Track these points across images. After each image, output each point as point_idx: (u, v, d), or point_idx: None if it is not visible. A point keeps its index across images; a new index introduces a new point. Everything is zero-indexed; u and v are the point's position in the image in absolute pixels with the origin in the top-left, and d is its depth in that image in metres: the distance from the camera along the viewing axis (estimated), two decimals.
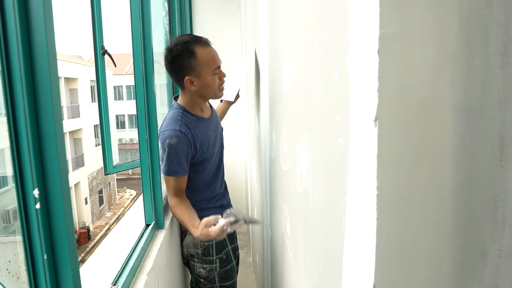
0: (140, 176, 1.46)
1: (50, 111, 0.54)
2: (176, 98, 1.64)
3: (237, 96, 2.01)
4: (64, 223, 0.53)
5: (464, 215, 0.49)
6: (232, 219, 1.32)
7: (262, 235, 1.96)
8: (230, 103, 2.03)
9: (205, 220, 1.35)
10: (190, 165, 1.55)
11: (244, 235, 3.77)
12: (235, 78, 2.00)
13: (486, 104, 0.47)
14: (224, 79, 1.57)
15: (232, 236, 1.78)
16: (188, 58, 1.43)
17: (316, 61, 0.72)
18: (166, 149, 1.45)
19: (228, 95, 1.95)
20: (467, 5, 0.45)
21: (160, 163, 1.51)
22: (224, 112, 2.04)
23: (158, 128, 1.57)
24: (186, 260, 1.76)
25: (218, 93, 1.56)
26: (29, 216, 0.53)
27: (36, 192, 0.52)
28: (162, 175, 1.52)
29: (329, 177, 0.68)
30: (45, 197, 0.53)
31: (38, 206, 0.52)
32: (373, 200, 0.47)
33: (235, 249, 1.78)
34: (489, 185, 0.49)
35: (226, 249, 1.71)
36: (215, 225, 1.32)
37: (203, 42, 1.47)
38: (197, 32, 3.42)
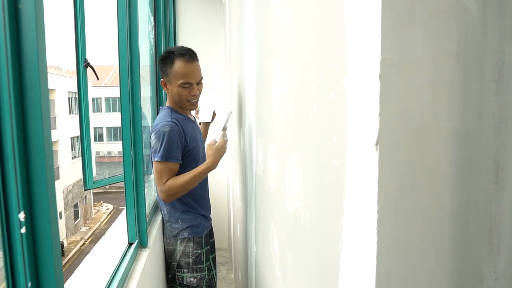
0: (124, 190, 1.42)
1: (39, 124, 0.51)
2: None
3: (214, 115, 2.11)
4: (51, 248, 0.50)
5: (461, 238, 0.50)
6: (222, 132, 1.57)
7: (246, 253, 1.93)
8: (208, 124, 2.14)
9: (207, 144, 1.61)
10: (183, 162, 1.64)
11: (225, 251, 3.71)
12: (208, 99, 2.12)
13: (482, 129, 0.48)
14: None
15: (213, 246, 1.90)
16: (167, 65, 1.64)
17: (310, 82, 0.73)
18: (161, 137, 1.55)
19: (204, 116, 2.08)
20: (464, 33, 0.46)
21: (153, 155, 1.59)
22: (205, 132, 2.13)
23: (144, 141, 1.60)
24: (172, 276, 1.75)
25: (186, 105, 1.70)
26: (13, 241, 0.49)
27: (21, 216, 0.49)
28: (154, 164, 1.59)
29: (323, 198, 0.68)
30: (31, 221, 0.50)
31: (23, 230, 0.49)
32: (373, 224, 0.47)
33: (215, 258, 1.89)
34: (485, 208, 0.50)
35: (210, 256, 1.80)
36: (217, 142, 1.60)
37: (186, 57, 1.63)
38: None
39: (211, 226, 1.91)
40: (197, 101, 1.72)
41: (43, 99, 0.51)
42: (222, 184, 3.67)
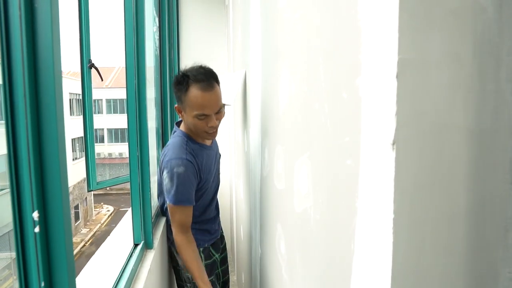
0: (126, 192, 1.43)
1: (53, 124, 0.51)
2: (178, 124, 1.61)
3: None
4: (64, 248, 0.50)
5: (476, 238, 0.50)
6: None
7: (250, 254, 1.93)
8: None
9: None
10: None
11: (228, 253, 3.70)
12: (231, 85, 1.99)
13: (498, 129, 0.48)
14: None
15: (225, 259, 1.82)
16: (182, 91, 1.42)
17: (320, 82, 0.73)
18: (174, 178, 1.41)
19: (226, 99, 1.87)
20: (480, 33, 0.46)
21: (166, 194, 1.47)
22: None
23: (152, 147, 1.57)
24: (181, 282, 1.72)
25: (203, 136, 1.50)
26: (26, 240, 0.49)
27: (35, 215, 0.49)
28: (168, 206, 1.48)
29: (334, 198, 0.67)
30: (44, 221, 0.50)
31: (37, 229, 0.49)
32: (389, 224, 0.47)
33: (225, 271, 1.81)
34: (500, 208, 0.50)
35: (216, 270, 1.71)
36: None
37: (202, 85, 1.39)
38: (183, 48, 3.42)
39: (218, 237, 1.81)
40: (216, 131, 1.51)
41: (57, 99, 0.51)
42: (225, 185, 3.67)
